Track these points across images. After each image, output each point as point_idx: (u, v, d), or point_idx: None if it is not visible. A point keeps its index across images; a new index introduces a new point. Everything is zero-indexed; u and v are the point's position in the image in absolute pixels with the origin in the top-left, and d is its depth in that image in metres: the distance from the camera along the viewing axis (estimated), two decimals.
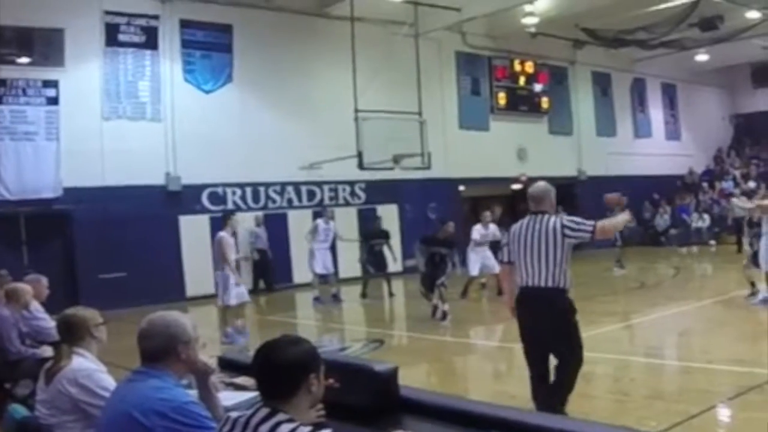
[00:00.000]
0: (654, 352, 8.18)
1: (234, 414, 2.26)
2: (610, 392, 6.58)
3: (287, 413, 2.13)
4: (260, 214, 16.05)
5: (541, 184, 5.12)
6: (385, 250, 14.02)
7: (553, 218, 4.90)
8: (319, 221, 13.93)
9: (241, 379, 3.41)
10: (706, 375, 6.72)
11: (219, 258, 9.89)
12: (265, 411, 2.15)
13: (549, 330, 4.86)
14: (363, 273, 14.46)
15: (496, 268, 10.30)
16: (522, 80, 21.54)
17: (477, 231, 12.61)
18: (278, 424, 2.09)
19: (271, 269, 15.96)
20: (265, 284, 15.92)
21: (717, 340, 8.55)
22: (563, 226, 4.83)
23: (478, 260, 12.50)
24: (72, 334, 3.38)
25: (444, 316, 10.58)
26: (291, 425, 2.08)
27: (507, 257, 5.16)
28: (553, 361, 5.01)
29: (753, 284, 10.28)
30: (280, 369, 2.18)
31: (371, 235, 14.40)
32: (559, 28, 19.82)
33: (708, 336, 9.00)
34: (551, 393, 4.93)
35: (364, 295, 13.96)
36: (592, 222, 4.94)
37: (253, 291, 15.67)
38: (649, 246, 22.49)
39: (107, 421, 2.62)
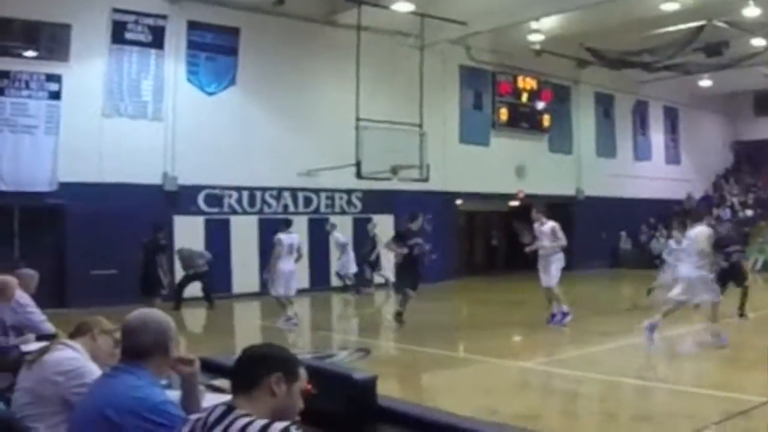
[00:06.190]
0: (642, 374, 8.15)
1: (193, 416, 2.21)
2: (595, 413, 6.55)
3: (243, 409, 2.07)
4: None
5: None
6: None
7: None
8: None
9: (219, 382, 3.37)
10: (693, 399, 6.71)
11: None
12: (221, 408, 2.10)
13: None
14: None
15: None
16: (525, 97, 21.59)
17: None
18: (234, 419, 2.03)
19: None
20: None
21: (706, 365, 8.55)
22: None
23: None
24: (75, 332, 3.41)
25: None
26: (247, 419, 2.02)
27: None
28: None
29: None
30: (244, 361, 2.21)
31: None
32: (564, 46, 19.84)
33: (697, 360, 8.99)
34: None
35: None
36: None
37: None
38: (644, 269, 22.42)
39: (80, 417, 2.57)
